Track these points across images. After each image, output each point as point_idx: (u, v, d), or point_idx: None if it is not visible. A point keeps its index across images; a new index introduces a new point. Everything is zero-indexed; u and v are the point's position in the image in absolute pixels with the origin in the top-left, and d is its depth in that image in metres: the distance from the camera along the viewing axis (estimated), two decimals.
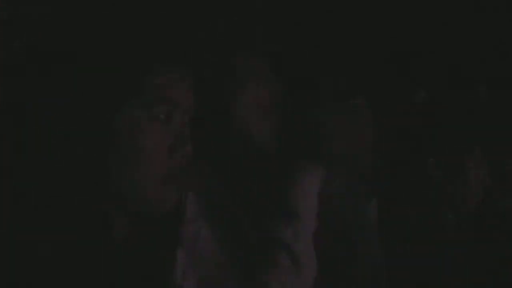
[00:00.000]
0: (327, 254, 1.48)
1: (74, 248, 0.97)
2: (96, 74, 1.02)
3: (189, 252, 1.31)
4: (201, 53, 1.42)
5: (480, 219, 1.91)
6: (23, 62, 1.06)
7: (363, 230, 1.61)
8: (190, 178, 1.25)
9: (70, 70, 1.02)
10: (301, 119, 1.71)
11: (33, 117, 1.02)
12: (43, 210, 0.99)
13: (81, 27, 1.06)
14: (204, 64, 1.41)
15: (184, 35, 1.16)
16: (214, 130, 1.43)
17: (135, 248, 1.09)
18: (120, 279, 1.02)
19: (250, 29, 1.56)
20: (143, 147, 1.03)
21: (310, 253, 1.41)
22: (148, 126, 1.03)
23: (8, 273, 0.94)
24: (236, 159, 1.51)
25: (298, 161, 1.48)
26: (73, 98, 1.01)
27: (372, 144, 1.72)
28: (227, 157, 1.50)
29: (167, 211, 1.07)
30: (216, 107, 1.45)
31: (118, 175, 1.03)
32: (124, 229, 1.08)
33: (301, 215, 1.46)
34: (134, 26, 1.07)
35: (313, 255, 1.42)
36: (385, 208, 1.74)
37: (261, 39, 1.55)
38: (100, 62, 1.03)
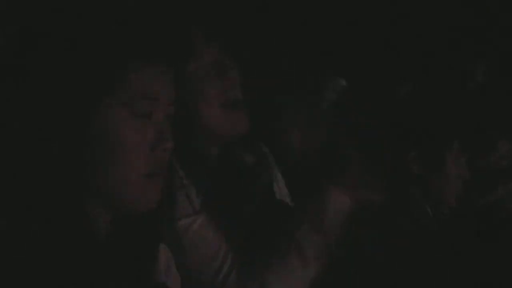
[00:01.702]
0: None
1: (56, 245, 0.96)
2: (75, 70, 1.01)
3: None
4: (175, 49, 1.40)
5: (460, 215, 1.92)
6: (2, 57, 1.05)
7: None
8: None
9: (49, 67, 1.01)
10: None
11: (12, 115, 1.01)
12: (24, 208, 0.98)
13: (61, 24, 1.05)
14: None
15: (162, 31, 1.15)
16: (182, 128, 1.42)
17: (117, 245, 1.08)
18: (103, 276, 1.01)
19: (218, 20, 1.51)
20: (125, 143, 1.02)
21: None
22: (129, 122, 1.02)
23: None
24: (203, 156, 1.50)
25: None
26: (53, 96, 1.00)
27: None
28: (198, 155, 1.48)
29: (150, 208, 1.06)
30: (182, 106, 1.43)
31: (100, 172, 1.02)
32: (107, 226, 1.07)
33: None
34: (114, 22, 1.06)
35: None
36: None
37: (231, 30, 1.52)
38: (78, 59, 1.02)
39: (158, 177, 1.06)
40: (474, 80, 2.10)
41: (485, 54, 2.14)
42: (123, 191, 1.03)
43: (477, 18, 2.16)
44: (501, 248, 1.86)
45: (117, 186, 1.03)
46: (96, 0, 1.08)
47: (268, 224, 1.42)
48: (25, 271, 0.93)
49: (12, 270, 0.93)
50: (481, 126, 2.06)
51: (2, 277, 0.93)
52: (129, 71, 1.03)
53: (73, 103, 1.00)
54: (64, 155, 1.00)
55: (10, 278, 0.93)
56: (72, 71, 1.01)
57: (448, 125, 1.95)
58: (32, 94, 1.01)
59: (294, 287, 1.37)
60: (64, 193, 1.00)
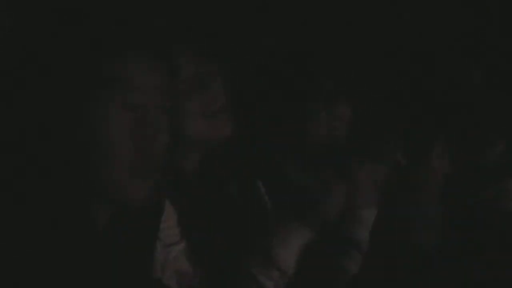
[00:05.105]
0: None
1: (56, 238, 0.96)
2: (66, 61, 1.01)
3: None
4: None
5: (454, 213, 1.93)
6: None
7: None
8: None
9: (40, 58, 1.02)
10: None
11: (10, 108, 1.02)
12: (24, 201, 0.98)
13: (53, 15, 1.05)
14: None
15: (153, 23, 1.15)
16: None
17: (114, 240, 1.08)
18: (99, 271, 1.01)
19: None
20: (114, 136, 1.01)
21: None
22: (118, 114, 1.01)
23: None
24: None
25: None
26: (45, 86, 1.01)
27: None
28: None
29: (141, 203, 1.05)
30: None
31: (95, 165, 1.01)
32: (104, 221, 1.07)
33: None
34: (106, 14, 1.06)
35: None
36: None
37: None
38: (69, 50, 1.01)
39: (147, 172, 1.04)
40: (471, 78, 2.11)
41: (483, 53, 2.14)
42: (113, 184, 1.02)
43: (476, 18, 2.17)
44: (495, 247, 1.87)
45: (108, 178, 1.02)
46: None
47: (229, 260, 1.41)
48: (22, 261, 0.93)
49: (9, 259, 0.93)
50: (476, 124, 2.07)
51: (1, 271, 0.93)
52: (120, 64, 1.02)
53: (64, 96, 1.00)
54: (64, 147, 1.00)
55: (9, 269, 0.93)
56: (63, 64, 1.00)
57: (436, 119, 1.97)
58: (27, 85, 1.01)
59: None
60: (65, 185, 1.00)
